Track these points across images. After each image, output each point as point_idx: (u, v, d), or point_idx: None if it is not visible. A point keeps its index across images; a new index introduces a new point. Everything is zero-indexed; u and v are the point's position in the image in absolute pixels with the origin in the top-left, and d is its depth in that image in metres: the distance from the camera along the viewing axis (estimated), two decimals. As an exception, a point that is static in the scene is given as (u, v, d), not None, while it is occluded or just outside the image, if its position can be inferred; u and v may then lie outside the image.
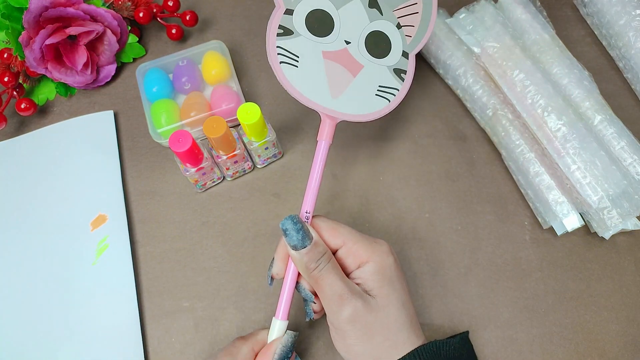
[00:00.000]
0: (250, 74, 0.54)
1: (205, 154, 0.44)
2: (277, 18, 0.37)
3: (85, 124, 0.51)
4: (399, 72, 0.38)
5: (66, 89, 0.53)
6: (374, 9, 0.38)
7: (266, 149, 0.46)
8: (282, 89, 0.52)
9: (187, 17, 0.53)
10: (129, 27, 0.53)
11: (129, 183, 0.49)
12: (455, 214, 0.46)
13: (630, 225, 0.43)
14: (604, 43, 0.52)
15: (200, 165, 0.43)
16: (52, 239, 0.46)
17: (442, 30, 0.51)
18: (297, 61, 0.37)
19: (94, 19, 0.49)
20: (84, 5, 0.49)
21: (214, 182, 0.48)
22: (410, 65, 0.39)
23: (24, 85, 0.51)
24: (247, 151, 0.46)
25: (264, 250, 0.45)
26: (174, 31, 0.54)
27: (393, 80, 0.38)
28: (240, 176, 0.49)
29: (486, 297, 0.43)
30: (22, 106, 0.49)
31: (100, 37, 0.51)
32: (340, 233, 0.35)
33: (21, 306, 0.44)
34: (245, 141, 0.45)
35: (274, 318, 0.36)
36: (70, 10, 0.47)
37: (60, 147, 0.50)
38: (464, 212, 0.46)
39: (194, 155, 0.42)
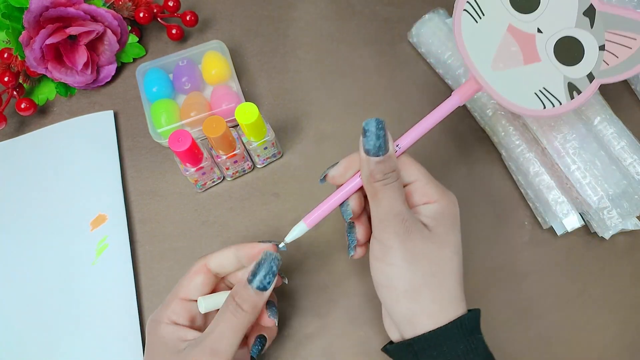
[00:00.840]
0: (250, 74, 0.54)
1: (205, 154, 0.44)
2: None
3: (85, 124, 0.51)
4: (572, 88, 0.34)
5: (66, 89, 0.53)
6: (587, 18, 0.34)
7: (265, 148, 0.46)
8: (282, 89, 0.53)
9: (188, 18, 0.53)
10: (129, 27, 0.54)
11: (129, 183, 0.49)
12: (455, 214, 0.46)
13: (630, 225, 0.43)
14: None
15: (200, 165, 0.43)
16: (52, 239, 0.46)
17: (442, 30, 0.51)
18: (480, 17, 0.36)
19: (94, 19, 0.50)
20: (85, 5, 0.49)
21: (213, 182, 0.48)
22: (588, 90, 0.34)
23: (24, 85, 0.51)
24: (247, 151, 0.46)
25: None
26: (174, 31, 0.54)
27: (562, 92, 0.34)
28: (240, 176, 0.49)
29: (485, 298, 0.43)
30: (22, 106, 0.49)
31: (100, 37, 0.51)
32: (416, 169, 0.34)
33: (21, 306, 0.43)
34: (245, 141, 0.45)
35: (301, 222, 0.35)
36: (71, 10, 0.47)
37: (60, 147, 0.50)
38: (463, 212, 0.46)
39: (193, 155, 0.42)
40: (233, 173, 0.47)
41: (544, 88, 0.35)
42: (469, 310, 0.32)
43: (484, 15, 0.36)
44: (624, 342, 0.41)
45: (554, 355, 0.41)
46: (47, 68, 0.50)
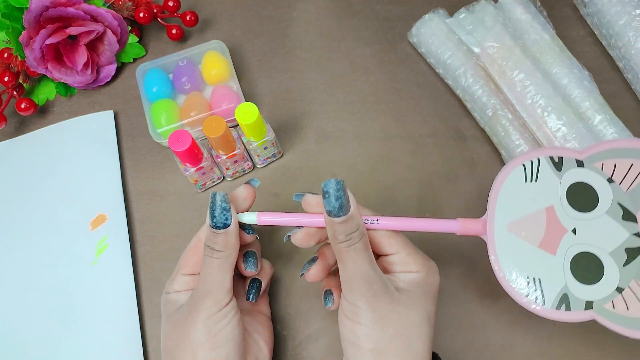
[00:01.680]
0: (250, 74, 0.54)
1: (205, 154, 0.44)
2: (567, 152, 0.34)
3: (85, 124, 0.51)
4: (564, 301, 0.31)
5: (66, 89, 0.53)
6: (625, 255, 0.32)
7: (265, 148, 0.46)
8: (282, 89, 0.53)
9: (188, 18, 0.53)
10: (129, 27, 0.54)
11: (128, 183, 0.49)
12: (455, 214, 0.46)
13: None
14: (604, 43, 0.52)
15: (200, 165, 0.43)
16: (52, 239, 0.46)
17: (442, 30, 0.51)
18: (531, 181, 0.34)
19: (94, 19, 0.50)
20: (85, 5, 0.49)
21: (213, 182, 0.48)
22: (578, 314, 0.31)
23: (24, 85, 0.51)
24: (247, 151, 0.46)
25: (263, 251, 0.45)
26: (174, 31, 0.54)
27: (552, 296, 0.32)
28: (240, 176, 0.49)
29: (485, 299, 0.43)
30: (22, 106, 0.49)
31: (100, 37, 0.51)
32: (396, 242, 0.34)
33: (20, 306, 0.44)
34: (245, 141, 0.45)
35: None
36: (71, 10, 0.47)
37: (60, 147, 0.50)
38: (464, 213, 0.46)
39: (193, 155, 0.42)
40: (233, 173, 0.47)
41: (539, 279, 0.32)
42: None
43: (535, 181, 0.34)
44: (625, 340, 0.41)
45: (554, 356, 0.41)
46: (47, 68, 0.50)
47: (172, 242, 0.46)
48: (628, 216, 0.33)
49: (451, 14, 0.52)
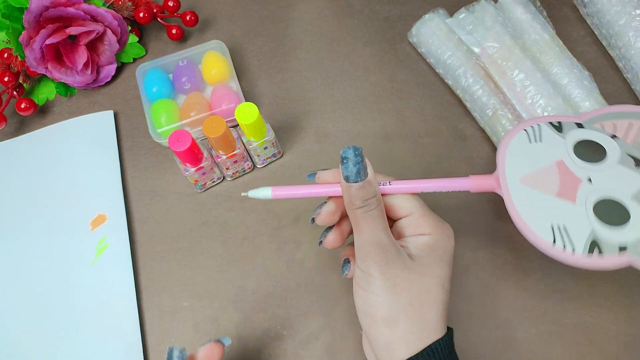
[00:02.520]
0: (250, 74, 0.54)
1: (205, 154, 0.44)
2: (565, 118, 0.35)
3: (85, 124, 0.51)
4: (594, 245, 0.30)
5: (66, 89, 0.53)
6: None
7: (265, 148, 0.46)
8: (282, 89, 0.53)
9: (188, 18, 0.53)
10: (129, 27, 0.54)
11: (128, 183, 0.49)
12: (455, 213, 0.46)
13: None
14: (604, 43, 0.52)
15: (200, 165, 0.43)
16: (52, 239, 0.46)
17: (442, 30, 0.51)
18: (535, 142, 0.34)
19: (94, 19, 0.50)
20: (85, 5, 0.49)
21: (213, 182, 0.48)
22: (612, 258, 0.30)
23: (24, 85, 0.51)
24: (247, 151, 0.46)
25: (264, 250, 0.45)
26: (174, 31, 0.54)
27: (581, 242, 0.30)
28: (240, 176, 0.49)
29: (486, 296, 0.43)
30: (22, 106, 0.49)
31: (100, 37, 0.51)
32: (411, 202, 0.34)
33: (20, 306, 0.43)
34: (245, 141, 0.45)
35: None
36: (71, 10, 0.47)
37: (60, 147, 0.50)
38: (464, 212, 0.46)
39: (193, 155, 0.42)
40: (233, 173, 0.47)
41: (564, 226, 0.31)
42: (446, 333, 0.32)
43: (540, 141, 0.34)
44: (624, 341, 0.41)
45: (554, 354, 0.41)
46: (47, 68, 0.50)
47: (172, 242, 0.46)
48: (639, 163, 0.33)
49: (451, 14, 0.52)
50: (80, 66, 0.50)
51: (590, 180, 0.32)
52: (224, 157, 0.44)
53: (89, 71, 0.51)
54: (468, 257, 0.45)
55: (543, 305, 0.43)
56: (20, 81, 0.51)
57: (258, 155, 0.47)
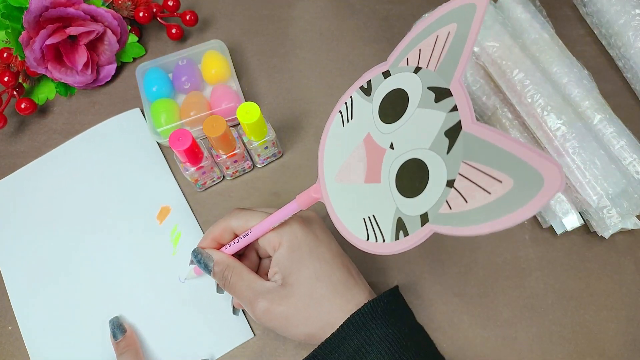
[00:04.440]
0: (250, 74, 0.54)
1: (205, 153, 0.44)
2: (373, 72, 0.31)
3: (117, 124, 0.51)
4: (400, 227, 0.27)
5: (66, 89, 0.53)
6: (447, 139, 0.25)
7: (266, 148, 0.46)
8: (282, 88, 0.53)
9: (188, 17, 0.53)
10: (129, 27, 0.54)
11: (129, 182, 0.49)
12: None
13: (630, 224, 0.43)
14: (603, 42, 0.52)
15: (200, 165, 0.43)
16: (126, 242, 0.46)
17: (442, 29, 0.51)
18: (347, 122, 0.32)
19: (94, 19, 0.50)
20: (84, 5, 0.49)
21: (213, 181, 0.48)
22: (416, 235, 0.25)
23: (24, 85, 0.51)
24: (247, 150, 0.46)
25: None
26: (174, 31, 0.54)
27: (388, 227, 0.27)
28: (240, 175, 0.49)
29: (486, 296, 0.43)
30: (22, 106, 0.49)
31: (100, 37, 0.51)
32: (251, 225, 0.36)
33: (113, 312, 0.43)
34: (245, 140, 0.45)
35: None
36: (71, 10, 0.47)
37: (102, 152, 0.50)
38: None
39: (193, 154, 0.42)
40: (233, 172, 0.47)
41: (373, 216, 0.28)
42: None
43: (352, 119, 0.32)
44: (624, 340, 0.41)
45: (554, 353, 0.41)
46: (47, 68, 0.50)
47: (173, 241, 0.46)
48: (441, 94, 0.26)
49: (451, 13, 0.51)
50: (80, 66, 0.50)
51: (392, 146, 0.28)
52: (224, 156, 0.44)
53: (89, 71, 0.51)
54: (468, 257, 0.45)
55: (543, 305, 0.43)
56: (20, 81, 0.51)
57: (258, 155, 0.47)
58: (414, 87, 0.28)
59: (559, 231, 0.44)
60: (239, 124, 0.46)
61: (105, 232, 0.46)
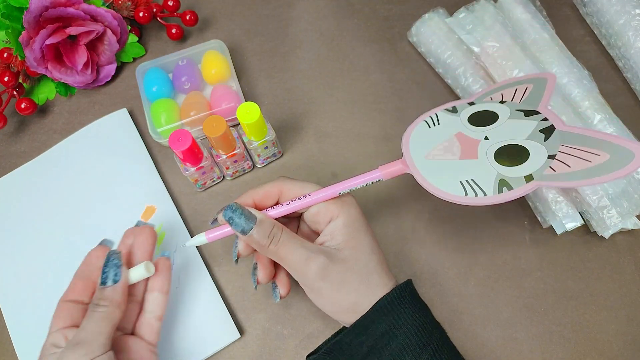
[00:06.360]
0: (250, 74, 0.54)
1: (205, 153, 0.44)
2: (460, 102, 0.40)
3: (104, 125, 0.51)
4: (503, 184, 0.33)
5: (66, 89, 0.53)
6: (542, 134, 0.35)
7: (266, 148, 0.46)
8: (282, 88, 0.53)
9: (188, 17, 0.53)
10: (129, 27, 0.54)
11: (129, 182, 0.49)
12: (455, 213, 0.46)
13: (630, 224, 0.43)
14: (603, 42, 0.52)
15: (200, 165, 0.43)
16: (115, 240, 0.46)
17: (442, 29, 0.51)
18: (434, 125, 0.38)
19: (94, 18, 0.50)
20: (84, 5, 0.49)
21: (213, 181, 0.48)
22: (521, 189, 0.32)
23: (24, 84, 0.51)
24: (247, 150, 0.46)
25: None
26: (174, 31, 0.54)
27: (490, 186, 0.33)
28: (240, 175, 0.49)
29: (486, 296, 0.43)
30: (22, 106, 0.49)
31: (100, 37, 0.51)
32: (318, 205, 0.36)
33: None
34: (245, 140, 0.45)
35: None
36: (71, 10, 0.47)
37: (89, 153, 0.50)
38: (463, 212, 0.46)
39: (193, 154, 0.42)
40: (233, 172, 0.47)
41: (472, 179, 0.34)
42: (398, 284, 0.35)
43: (439, 124, 0.38)
44: (624, 340, 0.41)
45: (554, 353, 0.41)
46: (47, 68, 0.50)
47: (173, 241, 0.46)
48: (530, 113, 0.37)
49: (451, 13, 0.52)
50: (80, 66, 0.50)
51: (487, 138, 0.36)
52: (224, 156, 0.44)
53: (89, 71, 0.51)
54: (468, 257, 0.45)
55: (543, 305, 0.43)
56: (20, 81, 0.51)
57: (258, 155, 0.47)
58: (502, 109, 0.38)
59: (559, 231, 0.44)
60: (239, 124, 0.46)
61: (91, 231, 0.46)
